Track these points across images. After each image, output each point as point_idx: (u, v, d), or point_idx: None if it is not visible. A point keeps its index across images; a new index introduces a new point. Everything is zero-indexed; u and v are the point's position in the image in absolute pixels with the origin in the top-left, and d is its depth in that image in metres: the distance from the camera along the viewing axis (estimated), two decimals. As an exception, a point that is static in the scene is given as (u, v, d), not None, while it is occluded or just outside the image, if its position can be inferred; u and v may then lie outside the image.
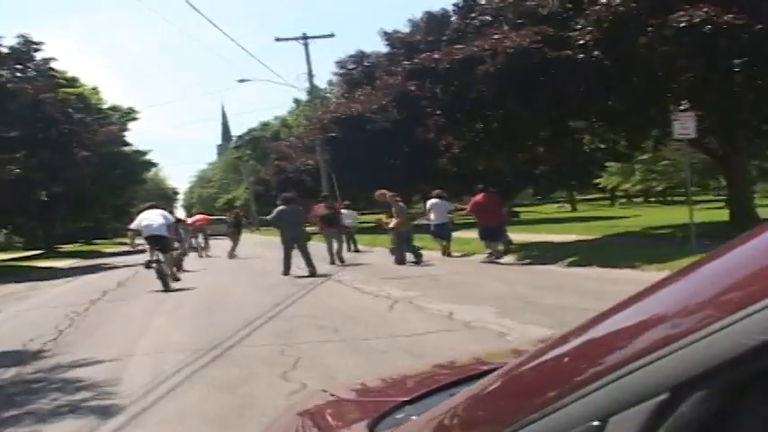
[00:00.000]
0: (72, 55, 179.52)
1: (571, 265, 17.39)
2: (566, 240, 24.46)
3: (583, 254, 18.53)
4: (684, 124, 17.72)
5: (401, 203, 22.55)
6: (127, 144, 66.71)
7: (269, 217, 22.39)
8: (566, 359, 1.17)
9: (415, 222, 23.34)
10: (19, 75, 39.50)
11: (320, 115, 49.33)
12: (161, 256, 19.20)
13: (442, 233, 23.05)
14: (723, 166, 25.08)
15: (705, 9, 17.73)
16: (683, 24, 17.88)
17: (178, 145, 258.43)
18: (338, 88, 64.63)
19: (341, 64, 61.91)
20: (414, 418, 1.71)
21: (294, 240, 20.15)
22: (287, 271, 20.06)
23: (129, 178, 65.24)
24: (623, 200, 76.56)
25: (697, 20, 17.68)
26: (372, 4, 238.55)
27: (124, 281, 23.74)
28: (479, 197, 21.21)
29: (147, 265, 19.21)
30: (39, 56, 40.69)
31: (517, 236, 25.94)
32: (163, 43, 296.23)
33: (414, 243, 21.66)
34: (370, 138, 45.29)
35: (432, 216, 22.92)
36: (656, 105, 21.96)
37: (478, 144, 24.15)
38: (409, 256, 21.35)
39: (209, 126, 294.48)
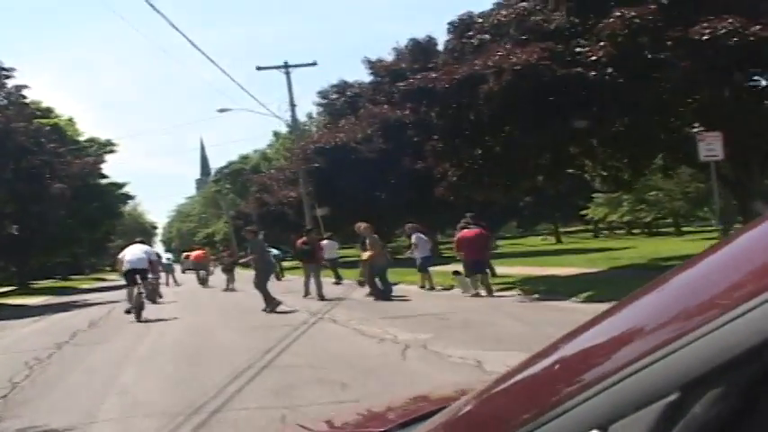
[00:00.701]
0: (49, 91, 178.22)
1: (588, 300, 15.87)
2: (569, 274, 23.20)
3: (597, 288, 17.04)
4: (710, 145, 16.42)
5: (375, 236, 22.12)
6: (104, 176, 64.79)
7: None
8: (558, 368, 1.10)
9: (397, 256, 23.99)
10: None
11: (303, 145, 47.84)
12: (141, 288, 20.56)
13: (425, 265, 22.96)
14: (736, 193, 23.50)
15: (730, 20, 16.30)
16: (705, 37, 16.45)
17: (157, 179, 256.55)
18: (321, 119, 63.24)
19: (323, 94, 60.79)
20: None
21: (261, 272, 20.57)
22: (268, 306, 19.80)
23: (105, 212, 63.10)
24: (605, 231, 75.38)
25: (722, 31, 16.25)
26: (354, 33, 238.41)
27: (97, 320, 22.14)
28: (467, 232, 20.75)
29: (128, 311, 20.69)
30: (10, 83, 38.84)
31: (514, 270, 25.69)
32: (141, 78, 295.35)
33: (386, 277, 21.47)
34: (355, 168, 43.85)
35: (418, 249, 22.88)
36: (665, 127, 20.56)
37: (477, 172, 22.48)
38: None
39: (188, 160, 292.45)
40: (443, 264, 25.26)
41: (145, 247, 22.65)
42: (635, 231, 69.87)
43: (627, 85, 18.55)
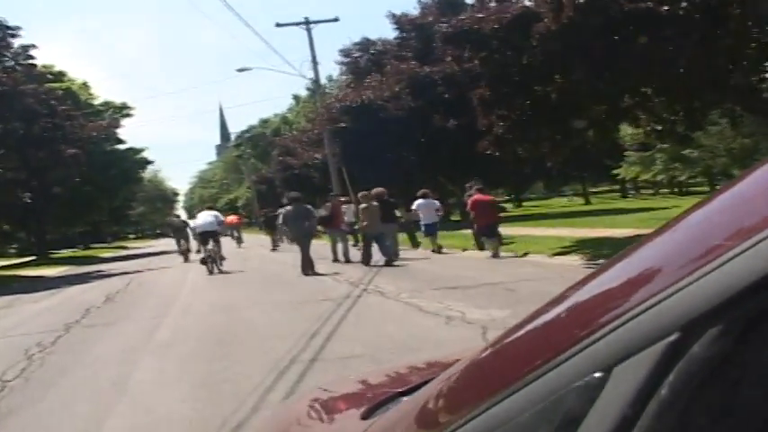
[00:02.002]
0: (62, 58, 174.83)
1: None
2: (626, 235, 21.12)
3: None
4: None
5: (369, 204, 21.25)
6: (121, 141, 62.83)
7: (278, 220, 23.47)
8: (563, 315, 1.14)
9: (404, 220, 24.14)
10: (-7, 64, 35.50)
11: (328, 104, 45.65)
12: (212, 245, 23.75)
13: (430, 230, 23.35)
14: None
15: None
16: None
17: (176, 146, 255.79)
18: (343, 78, 60.89)
19: (345, 52, 58.48)
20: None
21: (298, 239, 20.73)
22: (305, 270, 19.90)
23: (124, 178, 61.24)
24: (632, 192, 73.16)
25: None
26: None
27: (114, 293, 20.23)
28: (482, 196, 20.69)
29: (203, 261, 23.85)
30: (17, 43, 36.65)
31: (560, 231, 24.52)
32: (156, 42, 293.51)
33: (383, 242, 20.96)
34: (383, 128, 41.76)
35: (420, 215, 23.31)
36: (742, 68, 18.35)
37: (525, 124, 20.29)
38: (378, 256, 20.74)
39: (207, 126, 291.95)
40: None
41: (214, 213, 25.92)
42: (663, 191, 67.42)
43: (701, 21, 16.35)
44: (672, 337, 0.87)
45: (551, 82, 19.11)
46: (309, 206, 22.49)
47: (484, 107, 20.73)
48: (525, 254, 19.34)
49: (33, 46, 37.04)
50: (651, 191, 70.51)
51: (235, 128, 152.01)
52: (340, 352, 8.50)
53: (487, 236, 20.26)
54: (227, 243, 40.08)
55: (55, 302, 20.23)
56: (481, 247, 21.01)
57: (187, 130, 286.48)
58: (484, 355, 1.30)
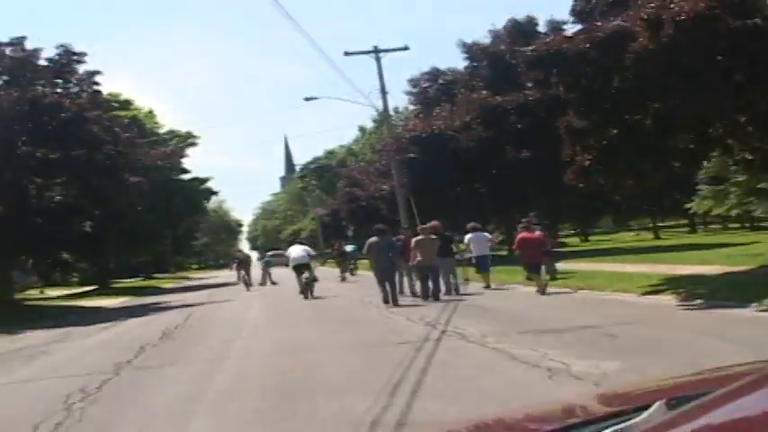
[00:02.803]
0: (132, 89, 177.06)
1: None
2: (715, 273, 19.83)
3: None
4: None
5: (418, 238, 21.09)
6: (185, 171, 62.25)
7: (363, 250, 23.08)
8: None
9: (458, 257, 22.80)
10: (59, 90, 34.81)
11: (397, 134, 44.44)
12: (308, 274, 26.40)
13: (483, 265, 22.99)
14: None
15: None
16: None
17: (241, 177, 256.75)
18: (411, 108, 59.65)
19: (414, 82, 57.44)
20: None
21: (384, 271, 20.37)
22: (386, 301, 19.89)
23: (188, 208, 60.60)
24: (701, 226, 70.69)
25: None
26: (447, 18, 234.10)
27: (172, 329, 19.02)
28: (528, 234, 20.88)
29: (302, 287, 26.27)
30: (82, 69, 35.88)
31: (638, 268, 23.20)
32: (222, 73, 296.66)
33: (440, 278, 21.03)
34: (453, 158, 40.49)
35: (472, 248, 22.90)
36: None
37: (613, 154, 18.67)
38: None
39: (272, 159, 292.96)
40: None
41: (304, 246, 29.91)
42: (732, 226, 64.85)
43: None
44: None
45: (644, 108, 17.54)
46: (394, 238, 22.47)
47: (570, 136, 19.16)
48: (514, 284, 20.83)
49: (99, 72, 36.15)
50: (719, 225, 67.87)
51: (299, 159, 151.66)
52: (431, 411, 7.02)
53: (534, 272, 20.11)
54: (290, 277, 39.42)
55: (109, 337, 19.17)
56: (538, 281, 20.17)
57: (252, 162, 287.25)
58: None
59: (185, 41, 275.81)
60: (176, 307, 28.53)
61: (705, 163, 30.85)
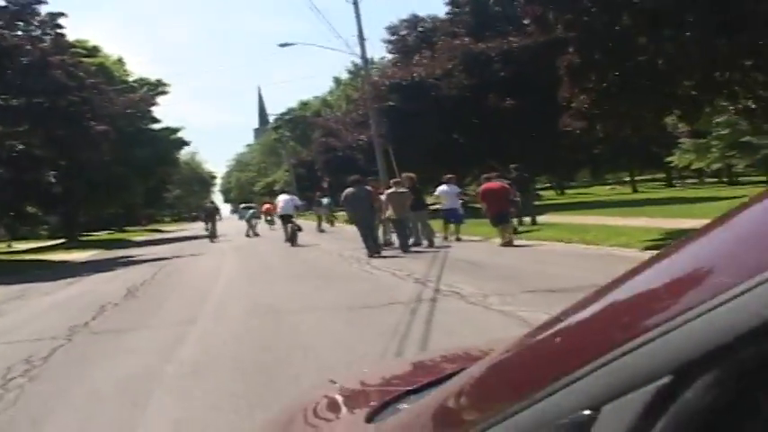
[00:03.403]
0: (102, 41, 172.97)
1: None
2: None
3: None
4: None
5: (398, 189, 21.01)
6: (156, 120, 60.21)
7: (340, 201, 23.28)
8: (555, 343, 1.10)
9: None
10: (20, 33, 32.80)
11: (376, 82, 42.86)
12: (290, 225, 28.00)
13: (454, 217, 22.53)
14: None
15: None
16: None
17: (214, 129, 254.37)
18: (390, 57, 57.97)
19: (392, 29, 55.99)
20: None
21: (363, 221, 20.19)
22: (371, 252, 19.53)
23: (159, 159, 58.59)
24: (677, 181, 70.05)
25: None
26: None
27: (138, 285, 17.69)
28: (491, 184, 20.40)
29: (288, 234, 27.98)
30: (44, 11, 33.74)
31: (636, 222, 21.87)
32: (197, 28, 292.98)
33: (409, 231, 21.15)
34: (434, 107, 39.07)
35: (443, 201, 22.66)
36: None
37: (615, 97, 17.34)
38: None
39: (245, 110, 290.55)
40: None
41: (291, 196, 31.57)
42: (709, 180, 63.97)
43: None
44: (663, 380, 0.82)
45: (653, 45, 16.18)
46: (369, 188, 21.62)
47: (571, 76, 17.75)
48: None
49: (62, 14, 34.07)
50: (696, 180, 66.93)
51: (274, 111, 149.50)
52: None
53: (499, 223, 19.74)
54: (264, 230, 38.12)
55: (70, 295, 17.70)
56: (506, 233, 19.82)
57: (225, 114, 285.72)
58: (472, 376, 1.25)
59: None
60: (145, 261, 27.30)
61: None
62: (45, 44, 32.40)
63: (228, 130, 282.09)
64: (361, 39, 39.98)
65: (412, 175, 22.39)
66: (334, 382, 2.53)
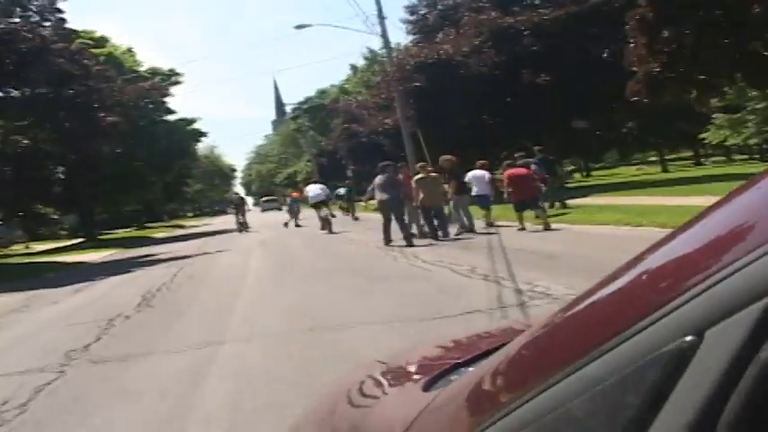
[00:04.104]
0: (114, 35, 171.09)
1: None
2: None
3: None
4: None
5: (427, 175, 19.96)
6: (171, 112, 57.86)
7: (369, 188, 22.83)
8: (646, 276, 1.04)
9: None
10: (17, 20, 30.38)
11: (401, 60, 40.64)
12: (325, 212, 28.95)
13: (484, 203, 21.30)
14: None
15: None
16: None
17: (233, 121, 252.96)
18: (410, 38, 55.47)
19: (411, 8, 53.60)
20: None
21: (392, 209, 19.53)
22: (386, 241, 19.23)
23: (176, 151, 56.18)
24: (706, 159, 69.02)
25: None
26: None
27: (154, 291, 15.61)
28: (515, 170, 19.84)
29: (323, 223, 28.85)
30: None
31: (682, 200, 19.65)
32: (210, 22, 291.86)
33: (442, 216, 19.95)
34: (463, 86, 36.72)
35: (474, 188, 21.15)
36: None
37: (691, 58, 15.00)
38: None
39: (263, 102, 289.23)
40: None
41: (321, 185, 31.53)
42: (738, 158, 61.63)
43: None
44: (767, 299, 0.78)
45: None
46: (401, 175, 20.99)
47: (643, 31, 15.40)
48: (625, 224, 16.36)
49: (61, -3, 31.67)
50: (724, 158, 64.44)
51: (291, 99, 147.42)
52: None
53: (530, 208, 19.08)
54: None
55: (78, 303, 15.57)
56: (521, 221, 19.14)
57: (242, 106, 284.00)
58: (556, 321, 1.22)
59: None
60: (165, 260, 25.24)
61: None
62: (46, 31, 30.15)
63: (246, 123, 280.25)
64: (381, 17, 37.89)
65: (451, 157, 21.21)
66: (383, 363, 2.44)
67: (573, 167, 74.30)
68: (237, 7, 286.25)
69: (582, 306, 1.15)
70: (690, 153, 69.75)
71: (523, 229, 18.62)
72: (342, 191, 45.14)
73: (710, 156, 68.42)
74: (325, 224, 28.40)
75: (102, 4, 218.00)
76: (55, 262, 32.11)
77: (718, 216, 0.99)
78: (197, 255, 25.87)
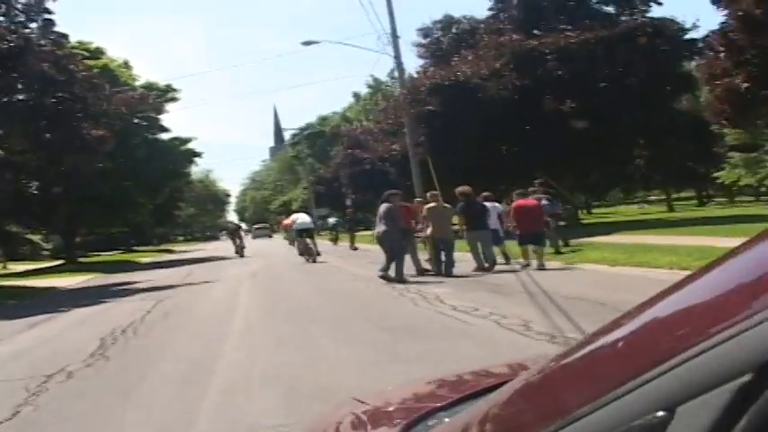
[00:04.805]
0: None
1: None
2: None
3: None
4: None
5: (439, 204, 18.85)
6: (165, 130, 54.79)
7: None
8: (622, 344, 1.07)
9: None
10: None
11: (415, 82, 38.21)
12: (309, 242, 29.08)
13: (495, 239, 19.62)
14: None
15: None
16: None
17: (229, 146, 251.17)
18: (421, 63, 52.82)
19: (425, 31, 51.13)
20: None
21: (385, 242, 17.99)
22: (398, 278, 17.18)
23: (168, 171, 52.76)
24: (710, 200, 68.73)
25: None
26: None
27: (118, 334, 12.50)
28: (524, 201, 18.91)
29: (301, 253, 29.61)
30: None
31: (719, 241, 16.83)
32: (211, 47, 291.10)
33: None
34: (479, 111, 33.99)
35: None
36: None
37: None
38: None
39: (261, 129, 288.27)
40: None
41: (307, 216, 32.14)
42: (742, 200, 61.25)
43: None
44: (744, 378, 0.79)
45: None
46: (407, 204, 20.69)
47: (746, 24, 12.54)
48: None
49: (51, -5, 28.68)
50: (725, 199, 64.44)
51: (290, 125, 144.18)
52: None
53: (533, 243, 18.05)
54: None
55: (19, 348, 12.36)
56: (525, 256, 18.28)
57: (239, 132, 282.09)
58: (533, 380, 1.22)
59: (171, 12, 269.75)
60: (143, 290, 22.46)
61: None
62: (33, 34, 27.28)
63: (243, 149, 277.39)
64: (395, 36, 35.40)
65: (466, 189, 19.01)
66: (360, 401, 2.40)
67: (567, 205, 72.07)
68: (238, 30, 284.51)
69: (556, 369, 1.15)
70: (691, 194, 69.88)
71: (528, 265, 17.79)
72: (332, 220, 46.17)
73: (712, 197, 68.15)
74: (306, 252, 28.68)
75: (102, 23, 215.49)
76: (24, 287, 29.07)
77: (695, 289, 0.97)
78: (180, 285, 22.97)
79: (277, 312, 13.86)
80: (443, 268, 18.01)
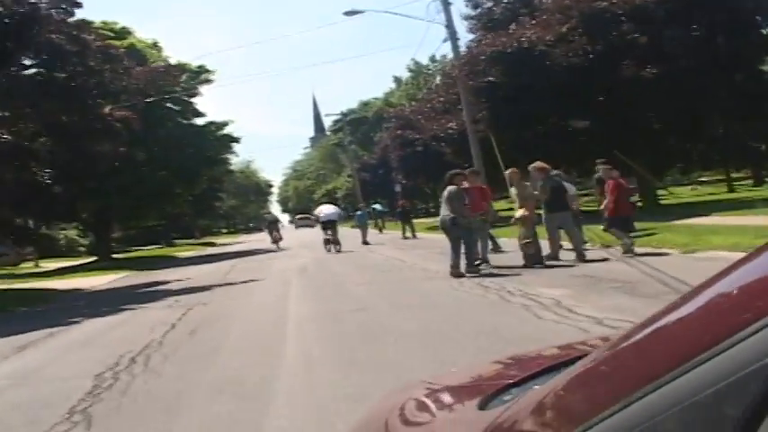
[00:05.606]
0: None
1: None
2: None
3: None
4: None
5: (527, 183, 16.37)
6: (199, 114, 51.16)
7: None
8: (746, 286, 0.99)
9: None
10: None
11: (475, 51, 34.55)
12: (330, 232, 30.21)
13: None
14: None
15: None
16: None
17: (269, 137, 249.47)
18: (470, 37, 48.89)
19: (475, 2, 47.00)
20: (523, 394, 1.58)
21: (447, 230, 15.79)
22: (453, 270, 15.21)
23: (204, 159, 48.92)
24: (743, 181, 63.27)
25: None
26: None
27: (126, 363, 9.39)
28: (622, 180, 16.52)
29: (326, 242, 30.35)
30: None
31: None
32: (248, 39, 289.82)
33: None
34: (545, 81, 30.20)
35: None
36: None
37: None
38: None
39: (301, 117, 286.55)
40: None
41: (334, 206, 34.77)
42: None
43: None
44: None
45: None
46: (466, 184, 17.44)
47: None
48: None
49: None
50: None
51: (330, 119, 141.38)
52: None
53: (625, 229, 15.92)
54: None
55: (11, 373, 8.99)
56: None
57: (280, 122, 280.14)
58: (638, 336, 1.17)
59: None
60: (173, 293, 19.34)
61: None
62: (40, 2, 23.90)
63: (284, 139, 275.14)
64: (446, 3, 31.92)
65: (542, 165, 16.42)
66: (429, 382, 2.36)
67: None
68: (276, 25, 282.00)
69: (669, 319, 1.12)
70: (741, 174, 64.81)
71: (631, 252, 15.17)
72: (377, 207, 46.10)
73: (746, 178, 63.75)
74: (330, 244, 29.79)
75: (137, 10, 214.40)
76: (45, 289, 25.81)
77: None
78: (218, 285, 19.62)
79: (335, 321, 10.35)
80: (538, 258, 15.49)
